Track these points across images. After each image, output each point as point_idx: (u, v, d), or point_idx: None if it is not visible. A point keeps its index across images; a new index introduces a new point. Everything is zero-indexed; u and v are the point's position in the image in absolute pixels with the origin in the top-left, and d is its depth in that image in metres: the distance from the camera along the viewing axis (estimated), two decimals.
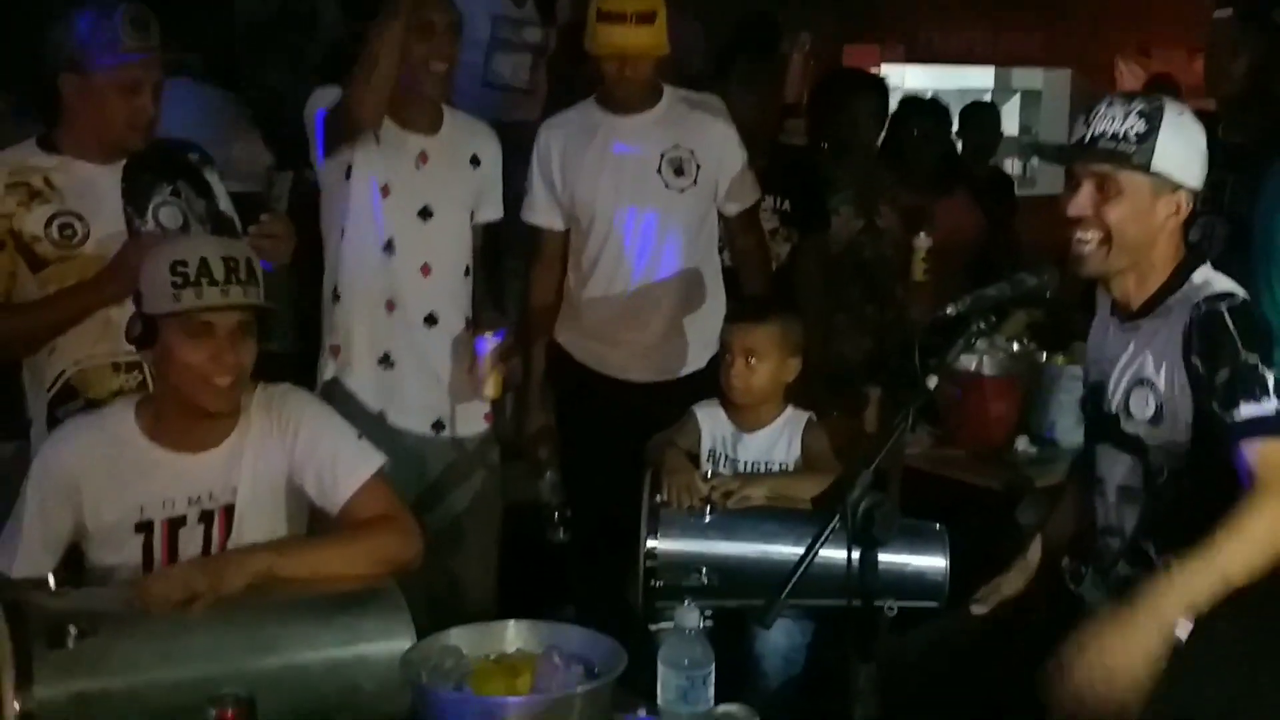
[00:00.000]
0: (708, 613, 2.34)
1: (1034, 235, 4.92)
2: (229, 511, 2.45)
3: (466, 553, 3.29)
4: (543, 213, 3.47)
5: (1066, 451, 3.58)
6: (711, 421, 3.06)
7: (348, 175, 3.10)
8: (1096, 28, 7.50)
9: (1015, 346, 4.00)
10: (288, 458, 2.49)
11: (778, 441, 3.01)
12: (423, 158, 3.16)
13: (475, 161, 3.26)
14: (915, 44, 7.65)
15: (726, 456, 3.02)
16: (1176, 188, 2.33)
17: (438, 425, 3.22)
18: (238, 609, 2.21)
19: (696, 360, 3.47)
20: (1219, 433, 2.24)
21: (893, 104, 4.72)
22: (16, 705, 1.97)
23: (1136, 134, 2.29)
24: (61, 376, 2.75)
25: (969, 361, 3.73)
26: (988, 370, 3.83)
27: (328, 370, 3.19)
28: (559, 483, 3.35)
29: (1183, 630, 2.22)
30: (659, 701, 2.04)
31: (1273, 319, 2.61)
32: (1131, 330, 2.39)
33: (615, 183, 3.40)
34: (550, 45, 4.57)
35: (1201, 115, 3.65)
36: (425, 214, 3.15)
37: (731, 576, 2.70)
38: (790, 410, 3.04)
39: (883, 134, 4.55)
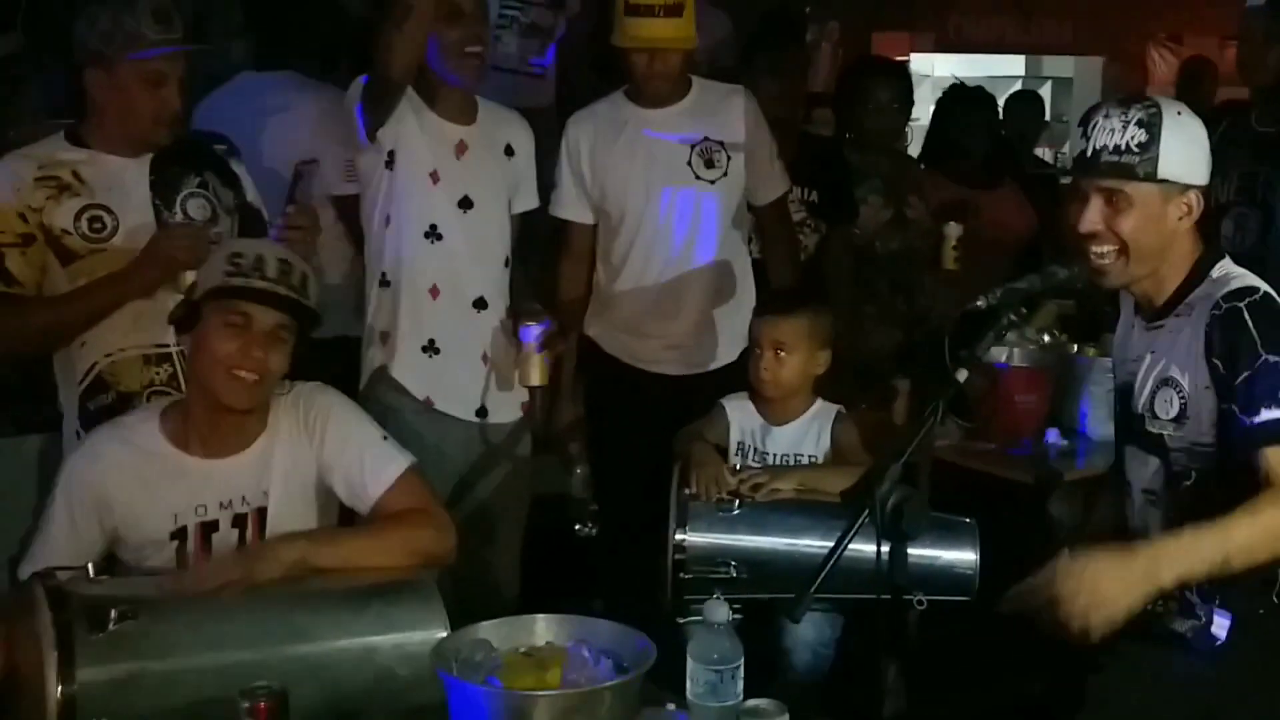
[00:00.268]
0: (736, 606, 2.34)
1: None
2: (261, 514, 2.47)
3: (494, 540, 3.31)
4: (571, 206, 3.46)
5: (1097, 444, 3.56)
6: (740, 415, 3.05)
7: (390, 163, 3.09)
8: (1128, 15, 7.43)
9: (1046, 338, 3.98)
10: (315, 459, 2.50)
11: (807, 434, 3.00)
12: (461, 147, 3.16)
13: (510, 151, 3.26)
14: (945, 32, 7.60)
15: (755, 449, 3.01)
16: (1185, 189, 2.31)
17: (481, 412, 3.22)
18: (274, 596, 2.24)
19: (727, 353, 3.47)
20: (1239, 435, 2.23)
21: (925, 93, 4.69)
22: (59, 687, 1.99)
23: (1138, 144, 2.25)
24: (93, 369, 2.77)
25: (999, 353, 3.71)
26: (1018, 362, 3.81)
27: (375, 358, 3.20)
28: (589, 477, 3.36)
29: (1220, 629, 2.23)
30: (688, 696, 2.04)
31: None
32: (1156, 330, 2.38)
33: (646, 176, 3.40)
34: (562, 29, 4.54)
35: (1234, 104, 3.64)
36: (465, 204, 3.15)
37: (760, 570, 2.70)
38: (819, 403, 3.04)
39: (912, 122, 4.53)
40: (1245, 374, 2.22)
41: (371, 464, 2.50)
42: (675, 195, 3.40)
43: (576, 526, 3.30)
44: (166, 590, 2.22)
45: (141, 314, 2.75)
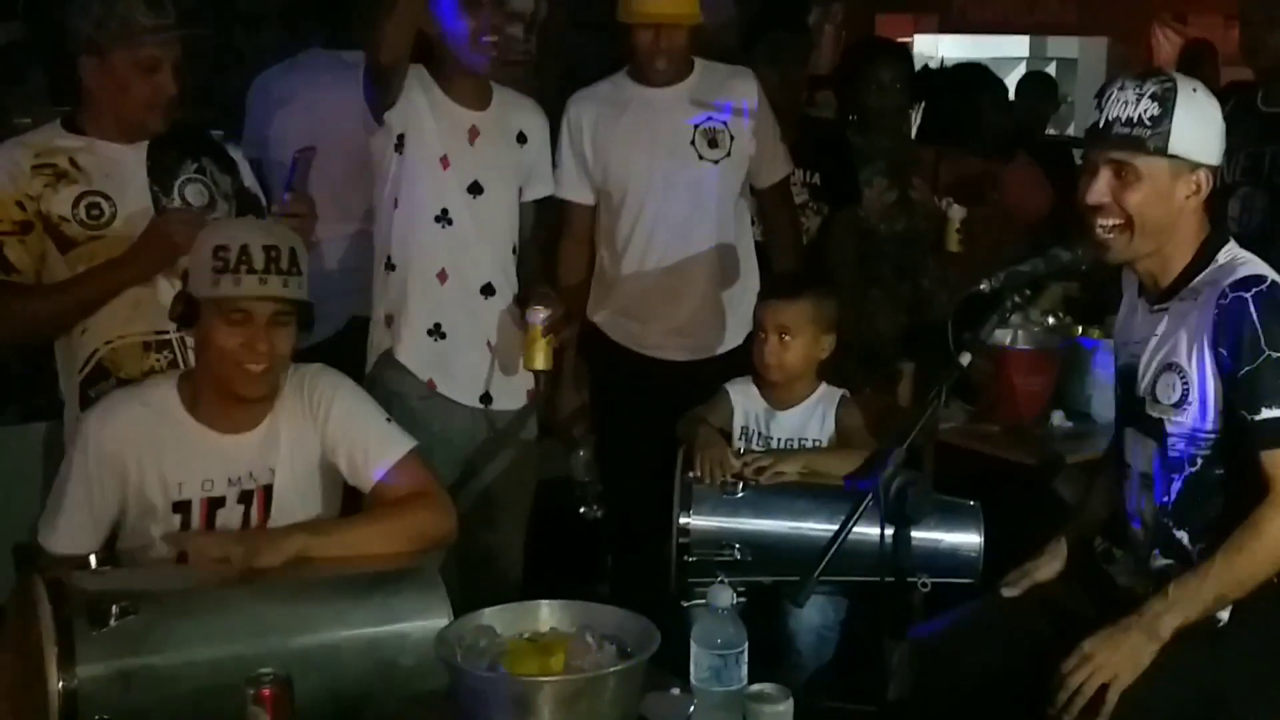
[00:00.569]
0: (741, 590, 2.35)
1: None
2: (267, 492, 2.48)
3: (499, 525, 3.30)
4: (572, 187, 3.43)
5: (1102, 426, 3.55)
6: (744, 399, 3.05)
7: (399, 147, 3.07)
8: None
9: (1050, 320, 3.97)
10: (320, 437, 2.51)
11: (811, 418, 3.00)
12: (473, 133, 3.14)
13: (522, 138, 3.24)
14: (949, 13, 7.57)
15: (760, 434, 3.01)
16: (1195, 167, 2.30)
17: (485, 398, 3.21)
18: (276, 588, 2.25)
19: (732, 338, 3.46)
20: (1240, 430, 2.24)
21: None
22: (60, 683, 2.00)
23: (1150, 118, 2.25)
24: (93, 356, 2.77)
25: (1003, 336, 3.70)
26: (1023, 344, 3.80)
27: (382, 341, 3.18)
28: (592, 461, 3.35)
29: (1223, 613, 2.25)
30: (692, 680, 2.04)
31: None
32: (1160, 313, 2.37)
33: (649, 156, 3.38)
34: (542, 13, 4.52)
35: (1240, 85, 3.62)
36: (475, 189, 3.13)
37: (764, 553, 2.70)
38: (824, 387, 3.03)
39: (920, 103, 4.50)
40: (1247, 369, 2.22)
41: (374, 445, 2.51)
42: (678, 175, 3.38)
43: (581, 509, 3.31)
44: (171, 550, 2.26)
45: (141, 301, 2.75)
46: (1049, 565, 2.58)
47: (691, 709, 2.02)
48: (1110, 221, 2.31)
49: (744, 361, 3.15)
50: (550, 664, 2.03)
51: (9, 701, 2.16)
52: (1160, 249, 2.34)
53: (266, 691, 1.94)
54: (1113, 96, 2.29)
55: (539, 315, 3.06)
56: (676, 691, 2.06)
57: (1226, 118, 2.39)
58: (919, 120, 4.78)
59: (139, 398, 2.49)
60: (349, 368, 2.72)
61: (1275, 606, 2.28)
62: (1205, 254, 2.34)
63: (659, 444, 2.98)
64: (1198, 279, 2.33)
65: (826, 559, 2.08)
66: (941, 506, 2.67)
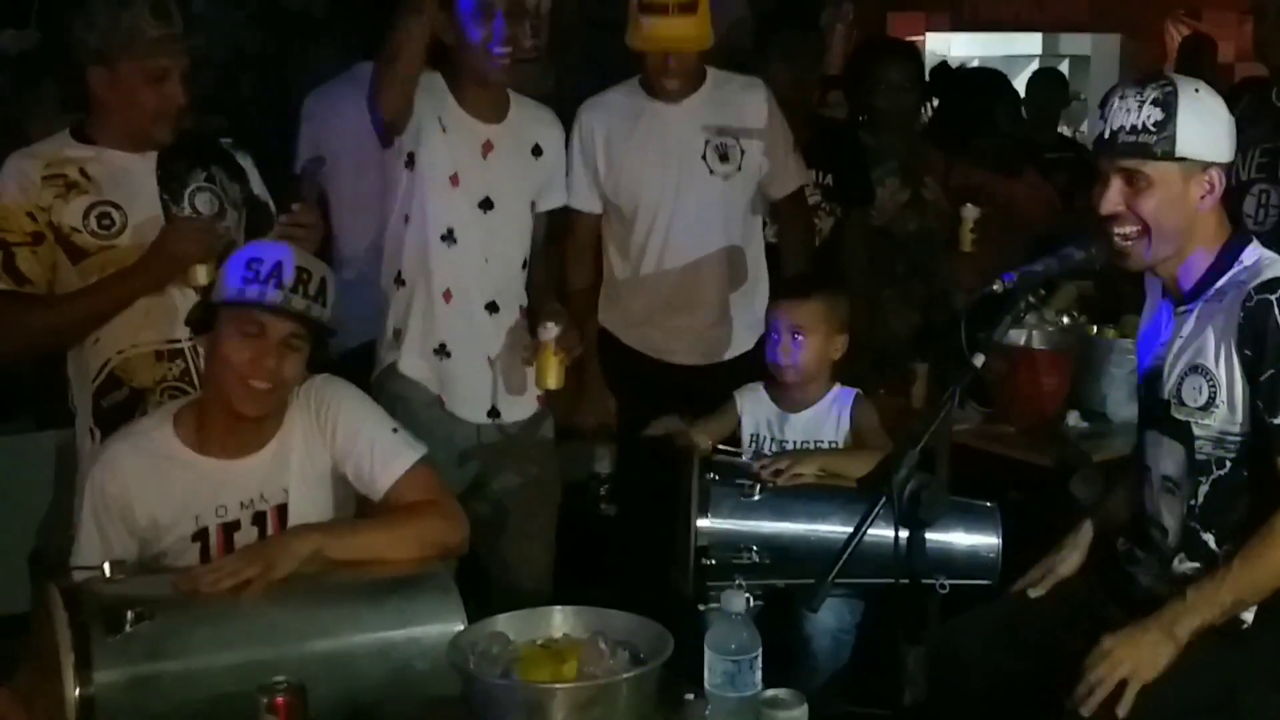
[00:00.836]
0: (757, 593, 2.34)
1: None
2: (281, 511, 2.48)
3: (527, 534, 3.28)
4: (581, 196, 3.41)
5: (1118, 426, 3.53)
6: (753, 406, 3.05)
7: (410, 164, 3.05)
8: None
9: (1065, 320, 3.94)
10: (329, 450, 2.51)
11: (826, 420, 2.99)
12: (487, 146, 3.11)
13: (538, 151, 3.21)
14: (961, 10, 7.54)
15: (771, 439, 3.00)
16: (1206, 166, 2.28)
17: (493, 413, 3.19)
18: (290, 593, 2.24)
19: (742, 343, 3.45)
20: (1261, 433, 2.23)
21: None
22: (76, 690, 2.00)
23: (1155, 123, 2.24)
24: (106, 366, 2.76)
25: (1018, 336, 3.68)
26: (1037, 344, 3.78)
27: (388, 355, 3.17)
28: (616, 455, 3.32)
29: (1248, 613, 2.25)
30: (706, 686, 2.03)
31: None
32: (1185, 314, 2.35)
33: (661, 171, 3.37)
34: (545, 6, 4.48)
35: (1254, 81, 3.59)
36: (486, 205, 3.11)
37: (781, 555, 2.70)
38: (838, 388, 3.03)
39: (930, 104, 4.49)
40: (1270, 371, 2.21)
41: (381, 455, 2.50)
42: (690, 190, 3.37)
43: (597, 505, 3.28)
44: (182, 591, 2.22)
45: (153, 310, 2.75)
46: (1070, 558, 2.57)
47: (706, 714, 2.01)
48: (1127, 230, 2.30)
49: (754, 366, 3.14)
50: (563, 670, 2.03)
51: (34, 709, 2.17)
52: (1180, 252, 2.33)
53: (280, 700, 1.93)
54: (1114, 106, 2.28)
55: (550, 333, 3.01)
56: (691, 697, 2.05)
57: (1240, 114, 2.37)
58: (930, 115, 4.76)
59: (135, 444, 2.48)
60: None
61: None
62: (1229, 254, 2.32)
63: (670, 447, 2.97)
64: (1223, 280, 2.31)
65: (839, 565, 2.07)
66: (958, 508, 2.66)
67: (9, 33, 4.42)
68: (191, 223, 2.76)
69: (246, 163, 2.99)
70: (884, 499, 2.08)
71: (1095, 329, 3.89)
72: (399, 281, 3.14)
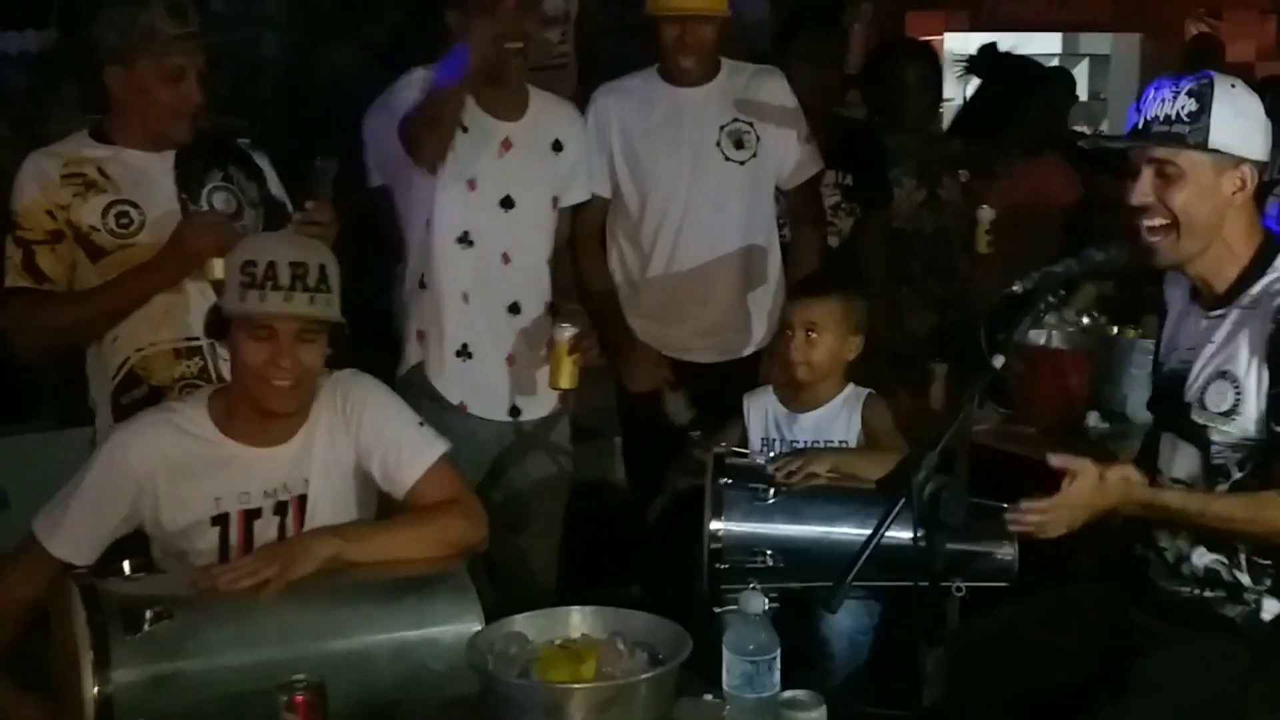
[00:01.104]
0: (773, 595, 2.33)
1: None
2: (302, 502, 2.49)
3: (535, 531, 3.29)
4: (594, 179, 3.37)
5: (1139, 427, 3.51)
6: (762, 409, 3.04)
7: (431, 168, 3.05)
8: None
9: (1085, 320, 3.93)
10: (354, 444, 2.52)
11: (836, 420, 2.98)
12: (506, 145, 3.12)
13: (558, 146, 3.21)
14: (980, 10, 7.51)
15: (780, 440, 3.00)
16: (1239, 162, 2.27)
17: (513, 411, 3.20)
18: (309, 593, 2.25)
19: (759, 339, 3.45)
20: (1269, 441, 2.22)
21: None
22: (95, 689, 2.01)
23: (1189, 113, 2.23)
24: (125, 364, 2.77)
25: (1038, 336, 3.67)
26: (1057, 345, 3.76)
27: (412, 356, 3.18)
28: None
29: (1269, 613, 2.26)
30: (724, 687, 2.02)
31: None
32: (1217, 320, 2.33)
33: (675, 158, 3.37)
34: (574, 11, 4.48)
35: (1275, 81, 3.57)
36: (507, 203, 3.12)
37: (797, 558, 2.68)
38: (850, 388, 3.02)
39: (946, 101, 4.48)
40: None
41: (406, 450, 2.51)
42: (704, 177, 3.37)
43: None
44: (201, 590, 2.22)
45: (172, 307, 2.76)
46: None
47: (724, 715, 2.01)
48: (1156, 222, 2.28)
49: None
50: (581, 671, 2.02)
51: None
52: (1209, 249, 2.31)
53: (300, 699, 1.94)
54: (1150, 97, 2.28)
55: (565, 333, 3.01)
56: (709, 698, 2.05)
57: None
58: (965, 99, 4.74)
59: (169, 420, 2.49)
60: None
61: None
62: (1263, 259, 2.31)
63: (685, 445, 2.97)
64: (1258, 287, 2.29)
65: (857, 567, 2.07)
66: (977, 510, 2.64)
67: (30, 32, 4.44)
68: (207, 216, 2.77)
69: (263, 162, 2.99)
70: (903, 500, 2.08)
71: (1116, 329, 3.87)
72: (422, 284, 3.15)
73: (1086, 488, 2.24)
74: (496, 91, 3.09)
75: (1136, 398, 3.62)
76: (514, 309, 3.16)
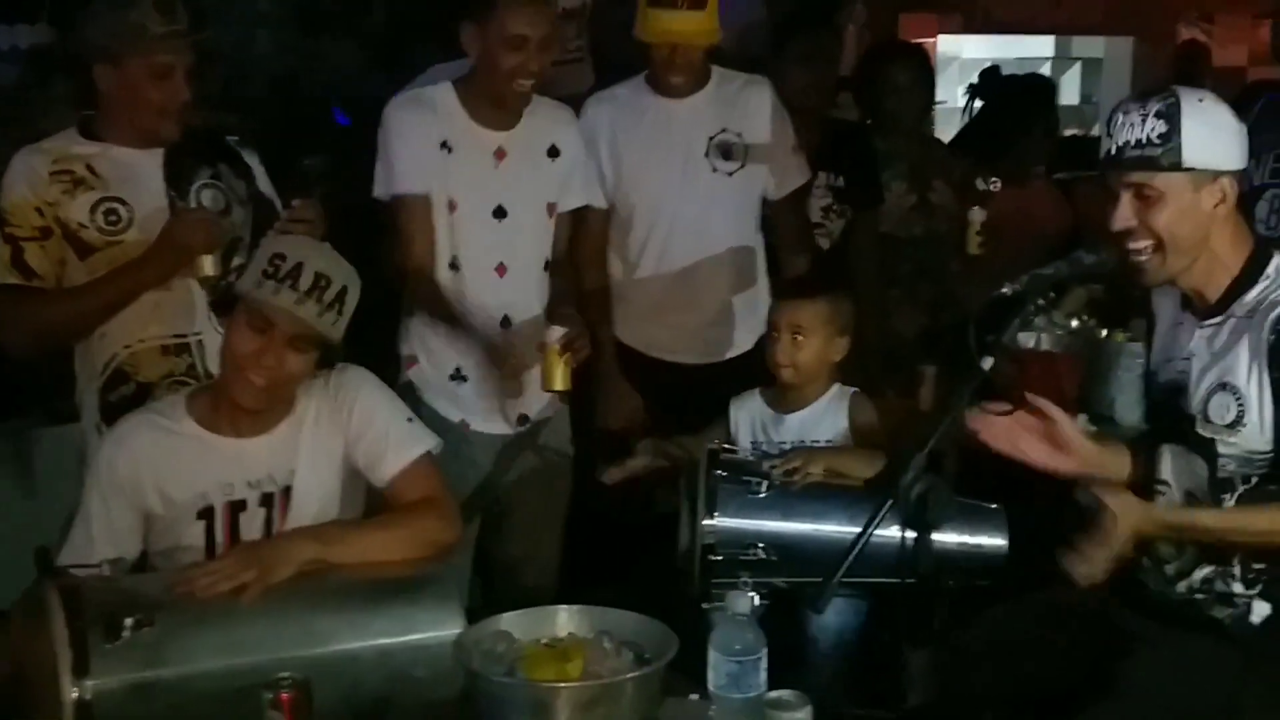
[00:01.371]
0: (763, 592, 2.33)
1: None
2: (288, 493, 2.49)
3: (535, 533, 3.30)
4: (591, 190, 3.36)
5: (1126, 430, 3.51)
6: (748, 412, 3.05)
7: None
8: None
9: (1074, 323, 3.93)
10: (343, 433, 2.52)
11: (822, 420, 2.98)
12: (499, 154, 3.11)
13: (554, 152, 3.20)
14: (974, 12, 7.52)
15: (767, 441, 3.00)
16: (1217, 175, 2.27)
17: (522, 420, 3.20)
18: (290, 597, 2.24)
19: (743, 342, 3.45)
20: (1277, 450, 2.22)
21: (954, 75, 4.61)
22: (73, 695, 2.00)
23: (1159, 135, 2.22)
24: (113, 361, 2.78)
25: (1028, 339, 3.67)
26: (1047, 347, 3.77)
27: (406, 377, 3.18)
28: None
29: (1258, 616, 2.26)
30: (710, 687, 2.03)
31: None
32: (1212, 329, 2.33)
33: (663, 168, 3.36)
34: (589, 7, 4.46)
35: (1268, 84, 3.58)
36: (500, 213, 3.11)
37: (787, 553, 2.69)
38: (836, 387, 3.02)
39: (939, 104, 4.47)
40: None
41: (392, 442, 2.52)
42: (692, 187, 3.37)
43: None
44: (180, 593, 2.21)
45: (160, 304, 2.76)
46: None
47: (710, 715, 2.01)
48: (1141, 244, 2.28)
49: (755, 365, 3.13)
50: (568, 669, 2.03)
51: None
52: (1197, 262, 2.30)
53: (285, 696, 1.94)
54: (1119, 122, 2.27)
55: (554, 335, 2.99)
56: (695, 697, 2.05)
57: (1254, 119, 2.35)
58: (968, 119, 4.72)
59: (148, 421, 2.50)
60: None
61: None
62: (1255, 266, 2.30)
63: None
64: (1251, 294, 2.29)
65: (844, 567, 2.07)
66: (965, 510, 2.65)
67: (20, 27, 4.43)
68: (196, 213, 2.77)
69: (253, 160, 3.00)
70: (890, 502, 2.08)
71: (1105, 332, 3.88)
72: (409, 310, 3.16)
73: (1131, 522, 2.22)
74: (494, 109, 3.09)
75: (1125, 400, 3.62)
76: (505, 323, 3.14)
